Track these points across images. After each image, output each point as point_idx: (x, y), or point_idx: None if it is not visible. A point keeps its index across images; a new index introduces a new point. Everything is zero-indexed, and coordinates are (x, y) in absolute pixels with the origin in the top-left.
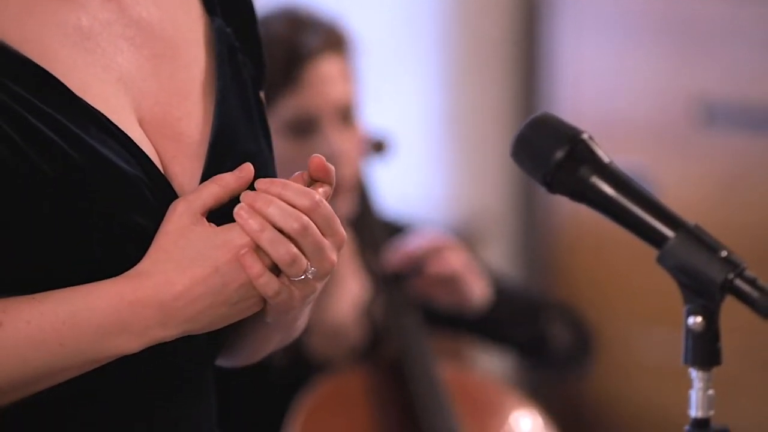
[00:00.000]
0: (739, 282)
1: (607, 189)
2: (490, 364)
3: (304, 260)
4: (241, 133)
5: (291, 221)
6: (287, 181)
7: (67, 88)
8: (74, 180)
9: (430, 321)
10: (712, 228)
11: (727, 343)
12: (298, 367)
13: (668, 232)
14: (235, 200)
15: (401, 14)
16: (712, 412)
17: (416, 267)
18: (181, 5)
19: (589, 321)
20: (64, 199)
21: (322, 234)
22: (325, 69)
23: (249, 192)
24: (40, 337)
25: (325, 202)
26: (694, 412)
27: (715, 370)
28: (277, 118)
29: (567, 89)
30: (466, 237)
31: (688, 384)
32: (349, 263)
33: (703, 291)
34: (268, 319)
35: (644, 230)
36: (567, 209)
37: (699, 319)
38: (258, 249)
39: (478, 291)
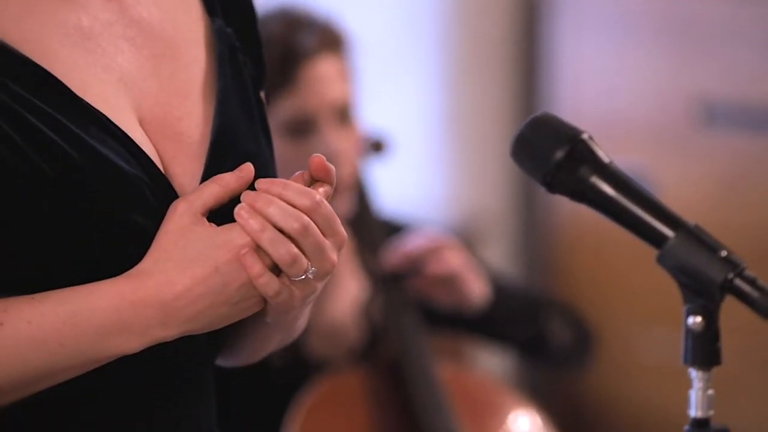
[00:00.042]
0: (738, 282)
1: (607, 189)
2: (490, 364)
3: (305, 260)
4: (242, 133)
5: (291, 221)
6: (288, 181)
7: (68, 88)
8: (74, 180)
9: (430, 320)
10: (712, 228)
11: (727, 343)
12: (296, 367)
13: (668, 232)
14: (235, 200)
15: (401, 14)
16: (711, 412)
17: (415, 267)
18: (181, 5)
19: (589, 319)
20: (65, 199)
21: (323, 234)
22: (322, 69)
23: (249, 192)
24: (41, 337)
25: (326, 202)
26: (694, 412)
27: (715, 370)
28: (274, 119)
29: (567, 89)
30: (466, 237)
31: (688, 384)
32: (347, 263)
33: (702, 291)
34: (269, 319)
35: (644, 230)
36: (567, 209)
37: (699, 319)
38: (258, 249)
39: (476, 290)
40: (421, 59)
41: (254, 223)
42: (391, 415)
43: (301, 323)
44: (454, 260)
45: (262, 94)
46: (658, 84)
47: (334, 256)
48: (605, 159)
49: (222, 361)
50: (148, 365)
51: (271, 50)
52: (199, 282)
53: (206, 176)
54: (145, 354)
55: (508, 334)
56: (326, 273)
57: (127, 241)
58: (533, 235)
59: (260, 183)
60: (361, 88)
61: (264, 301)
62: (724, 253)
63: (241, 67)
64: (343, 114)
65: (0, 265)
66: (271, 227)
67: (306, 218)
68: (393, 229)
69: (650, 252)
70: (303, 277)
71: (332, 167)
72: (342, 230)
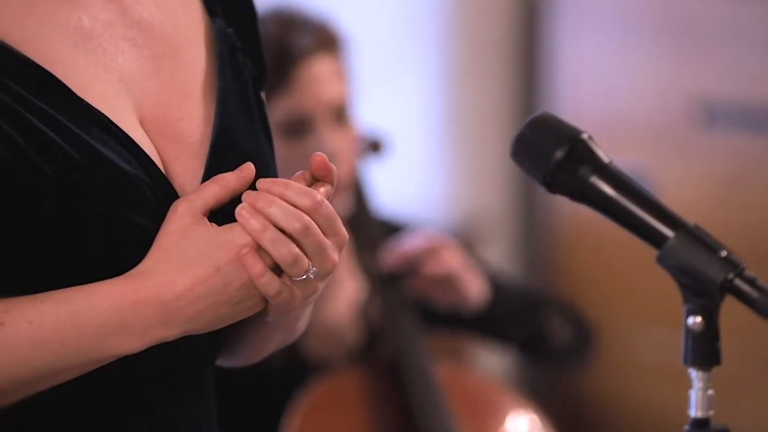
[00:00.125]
0: (738, 282)
1: (607, 189)
2: (490, 363)
3: (306, 260)
4: (242, 133)
5: (292, 221)
6: (289, 181)
7: (68, 89)
8: (75, 180)
9: (429, 320)
10: (712, 228)
11: (727, 343)
12: (294, 367)
13: (668, 232)
14: (236, 200)
15: (401, 14)
16: (711, 412)
17: (412, 267)
18: (181, 6)
19: (589, 316)
20: (65, 199)
21: (324, 234)
22: (318, 69)
23: (250, 192)
24: (42, 337)
25: (327, 202)
26: (694, 412)
27: (714, 370)
28: (270, 119)
29: (567, 89)
30: (466, 237)
31: (688, 384)
32: (345, 263)
33: (702, 291)
34: (270, 319)
35: (644, 230)
36: (567, 209)
37: (699, 319)
38: (259, 249)
39: (475, 290)
40: (421, 59)
41: (255, 223)
42: (389, 415)
43: (302, 323)
44: (452, 260)
45: (263, 94)
46: (658, 84)
47: (335, 255)
48: (605, 159)
49: (223, 362)
50: (148, 365)
51: (266, 50)
52: (200, 282)
53: (207, 176)
54: (145, 354)
55: (507, 333)
56: (327, 273)
57: (128, 242)
58: (533, 235)
59: (261, 183)
60: (361, 88)
61: (265, 301)
62: (724, 253)
63: (241, 67)
64: (340, 114)
65: (1, 265)
66: (272, 227)
67: (307, 218)
68: (391, 229)
69: (650, 252)
70: (304, 277)
71: (333, 166)
72: (343, 230)
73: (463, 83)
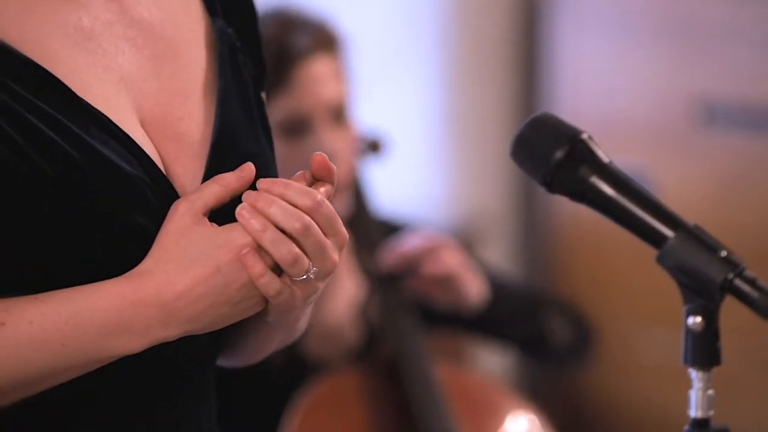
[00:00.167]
0: (738, 282)
1: (607, 189)
2: (490, 363)
3: (306, 260)
4: (242, 134)
5: (293, 221)
6: (289, 181)
7: (68, 89)
8: (75, 180)
9: (429, 320)
10: (712, 228)
11: (727, 343)
12: (294, 367)
13: (668, 232)
14: (236, 200)
15: (401, 14)
16: (711, 412)
17: (411, 267)
18: (181, 6)
19: (590, 315)
20: (65, 199)
21: (324, 234)
22: (316, 69)
23: (251, 192)
24: (42, 338)
25: (327, 202)
26: (694, 412)
27: (714, 370)
28: (269, 119)
29: (567, 89)
30: (466, 237)
31: (688, 384)
32: (345, 263)
33: (702, 291)
34: (270, 319)
35: (644, 230)
36: (567, 209)
37: (699, 319)
38: (260, 249)
39: (474, 289)
40: (421, 59)
41: (255, 223)
42: (389, 415)
43: (303, 323)
44: (451, 260)
45: (263, 95)
46: (658, 84)
47: (335, 255)
48: (605, 159)
49: (223, 362)
50: (148, 365)
51: (265, 50)
52: (201, 282)
53: (207, 176)
54: (145, 354)
55: (507, 333)
56: (328, 273)
57: (128, 242)
58: (533, 235)
59: (261, 183)
60: (361, 88)
61: (265, 301)
62: (724, 253)
63: (241, 67)
64: (338, 114)
65: (1, 265)
66: (272, 227)
67: (307, 218)
68: (390, 229)
69: (650, 252)
70: (304, 277)
71: (334, 166)
72: (343, 230)
73: (463, 83)
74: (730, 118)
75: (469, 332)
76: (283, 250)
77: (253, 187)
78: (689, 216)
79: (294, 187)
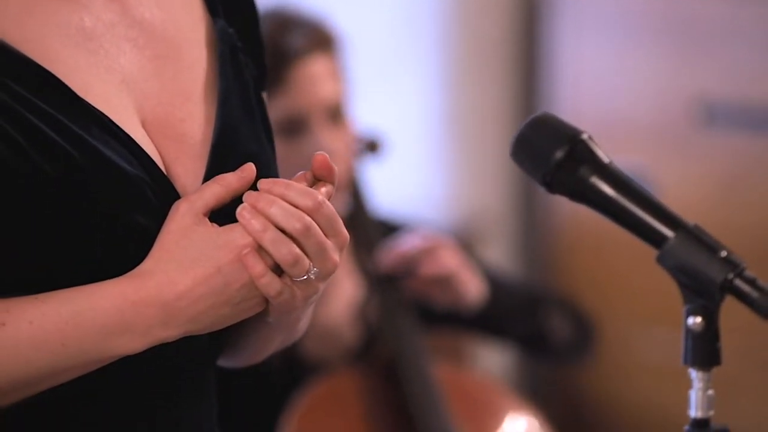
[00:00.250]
0: (738, 282)
1: (607, 189)
2: (490, 363)
3: (307, 260)
4: (243, 134)
5: (293, 221)
6: (290, 181)
7: (69, 89)
8: (76, 180)
9: (428, 319)
10: (712, 228)
11: (727, 343)
12: (292, 368)
13: (668, 232)
14: (237, 200)
15: (401, 14)
16: (711, 412)
17: (409, 267)
18: (183, 6)
19: (590, 312)
20: (66, 199)
21: (325, 234)
22: (313, 68)
23: (251, 192)
24: (43, 338)
25: (328, 203)
26: (694, 412)
27: (714, 370)
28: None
29: (567, 89)
30: (466, 237)
31: (688, 384)
32: (344, 264)
33: (702, 291)
34: (270, 320)
35: (644, 230)
36: (567, 209)
37: (699, 319)
38: (260, 249)
39: (473, 289)
40: (421, 59)
41: (256, 224)
42: (388, 415)
43: (303, 324)
44: (450, 260)
45: (264, 95)
46: (658, 84)
47: (336, 256)
48: (605, 159)
49: (224, 362)
50: (149, 365)
51: None
52: (201, 282)
53: (208, 177)
54: (146, 354)
55: (507, 331)
56: (328, 273)
57: (129, 242)
58: (533, 235)
59: (262, 183)
60: (361, 88)
61: (266, 301)
62: (724, 254)
63: (242, 68)
64: (335, 113)
65: (2, 265)
66: (273, 227)
67: (308, 218)
68: (389, 229)
69: (650, 252)
70: (305, 277)
71: (335, 166)
72: (344, 230)
73: (463, 83)
74: (730, 118)
75: (469, 331)
76: (284, 251)
77: (253, 187)
78: (689, 216)
79: (295, 188)
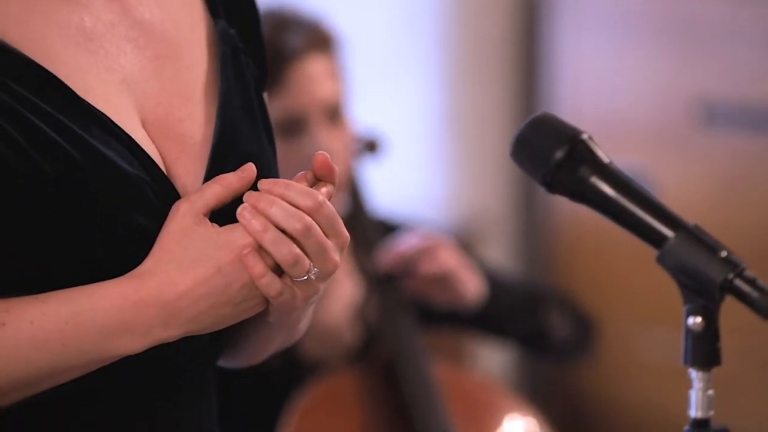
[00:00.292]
0: (738, 282)
1: (607, 189)
2: (490, 362)
3: (307, 261)
4: (244, 134)
5: (294, 222)
6: (290, 181)
7: (70, 89)
8: (77, 180)
9: (428, 318)
10: (712, 228)
11: (727, 343)
12: (291, 368)
13: (668, 232)
14: (237, 201)
15: (401, 14)
16: (711, 413)
17: (408, 267)
18: (183, 6)
19: (590, 309)
20: (67, 199)
21: (325, 235)
22: (311, 68)
23: (252, 192)
24: (43, 338)
25: (329, 203)
26: (694, 412)
27: (715, 370)
28: None
29: (567, 89)
30: (466, 237)
31: (688, 384)
32: (343, 263)
33: (702, 291)
34: (271, 320)
35: (644, 230)
36: (567, 209)
37: (699, 319)
38: (261, 249)
39: (472, 288)
40: (421, 59)
41: (256, 224)
42: (387, 415)
43: (304, 324)
44: (448, 259)
45: (265, 95)
46: (658, 84)
47: (336, 256)
48: (605, 159)
49: (224, 362)
50: (149, 365)
51: None
52: (202, 282)
53: (208, 177)
54: (146, 354)
55: (507, 329)
56: (328, 274)
57: (130, 242)
58: (533, 235)
59: (263, 183)
60: (361, 88)
61: (266, 301)
62: (724, 254)
63: (243, 68)
64: (334, 113)
65: (2, 266)
66: (273, 228)
67: (308, 219)
68: (388, 229)
69: (650, 252)
70: (305, 277)
71: (335, 166)
72: (344, 231)
73: (463, 83)
74: (730, 118)
75: (468, 330)
76: (284, 251)
77: (254, 187)
78: (689, 216)
79: (295, 188)
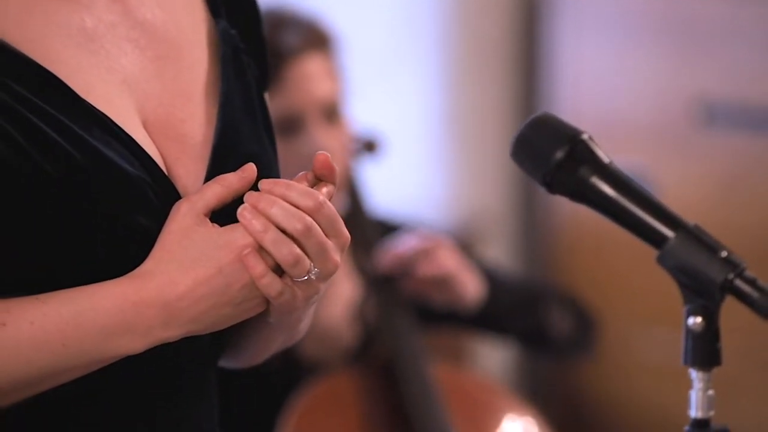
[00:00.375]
0: (739, 282)
1: (607, 189)
2: (490, 362)
3: (307, 261)
4: (245, 135)
5: (294, 222)
6: (291, 181)
7: (70, 89)
8: (77, 181)
9: (427, 318)
10: (712, 228)
11: (727, 343)
12: (290, 369)
13: (668, 233)
14: (238, 201)
15: (401, 14)
16: (712, 413)
17: (407, 268)
18: (184, 7)
19: (590, 308)
20: (68, 199)
21: (326, 235)
22: (308, 67)
23: (252, 192)
24: (43, 338)
25: (329, 203)
26: (694, 412)
27: (715, 370)
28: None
29: (567, 89)
30: (466, 237)
31: (688, 384)
32: (342, 264)
33: (703, 291)
34: (272, 320)
35: (644, 230)
36: (567, 209)
37: (699, 319)
38: (261, 249)
39: (471, 288)
40: (421, 59)
41: (257, 224)
42: (385, 415)
43: (305, 324)
44: (447, 260)
45: (266, 96)
46: (658, 84)
47: (336, 257)
48: (605, 159)
49: (225, 363)
50: (150, 365)
51: None
52: (202, 282)
53: (209, 177)
54: (147, 354)
55: (507, 328)
56: (329, 274)
57: (130, 242)
58: (533, 235)
59: (263, 183)
60: (361, 88)
61: (267, 301)
62: (724, 254)
63: (244, 68)
64: (331, 112)
65: (3, 266)
66: (273, 228)
67: (309, 219)
68: (387, 229)
69: (650, 252)
70: (305, 277)
71: (335, 166)
72: (345, 231)
73: (463, 83)
74: (730, 118)
75: (468, 329)
76: (285, 251)
77: (254, 187)
78: (689, 216)
79: (296, 188)
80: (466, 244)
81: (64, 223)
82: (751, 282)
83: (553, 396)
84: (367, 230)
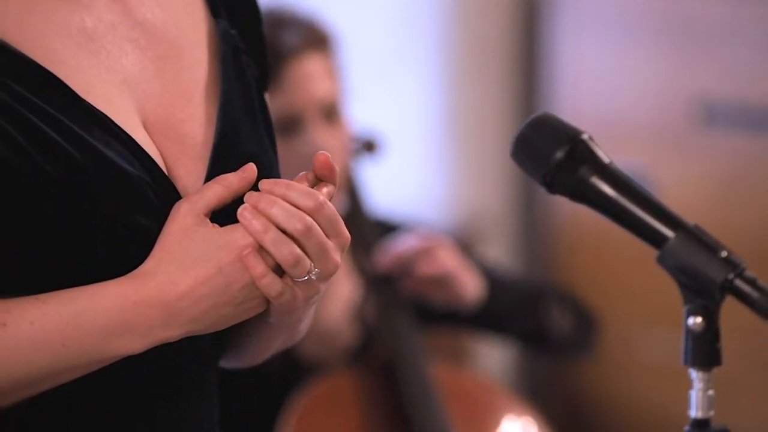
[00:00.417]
0: (739, 282)
1: (607, 189)
2: (490, 362)
3: (308, 261)
4: (245, 135)
5: (294, 222)
6: (291, 182)
7: (71, 89)
8: (78, 181)
9: (427, 318)
10: (712, 228)
11: (727, 343)
12: (290, 369)
13: (668, 233)
14: (238, 201)
15: (401, 14)
16: (712, 413)
17: (407, 268)
18: (184, 7)
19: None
20: (68, 199)
21: (326, 235)
22: (307, 67)
23: (253, 193)
24: (44, 338)
25: (329, 203)
26: (694, 412)
27: (715, 370)
28: None
29: (567, 89)
30: (466, 237)
31: (688, 384)
32: (342, 264)
33: (703, 291)
34: (272, 320)
35: (644, 230)
36: (567, 209)
37: (699, 319)
38: (261, 250)
39: (471, 288)
40: (421, 59)
41: (257, 224)
42: (385, 415)
43: (305, 324)
44: (447, 260)
45: (266, 96)
46: (658, 84)
47: (337, 257)
48: (605, 159)
49: (226, 363)
50: (150, 365)
51: None
52: (202, 283)
53: (209, 178)
54: (147, 354)
55: (507, 327)
56: (329, 274)
57: (131, 242)
58: (533, 235)
59: (263, 184)
60: (361, 88)
61: (267, 301)
62: (724, 254)
63: (244, 68)
64: (330, 112)
65: (3, 266)
66: (274, 228)
67: (309, 219)
68: (387, 229)
69: (650, 252)
70: (306, 278)
71: (336, 166)
72: (345, 231)
73: (463, 83)
74: (730, 118)
75: (468, 328)
76: (285, 251)
77: (255, 188)
78: (689, 216)
79: (296, 188)
80: (466, 244)
81: (64, 223)
82: (751, 282)
83: (553, 396)
84: (366, 230)
